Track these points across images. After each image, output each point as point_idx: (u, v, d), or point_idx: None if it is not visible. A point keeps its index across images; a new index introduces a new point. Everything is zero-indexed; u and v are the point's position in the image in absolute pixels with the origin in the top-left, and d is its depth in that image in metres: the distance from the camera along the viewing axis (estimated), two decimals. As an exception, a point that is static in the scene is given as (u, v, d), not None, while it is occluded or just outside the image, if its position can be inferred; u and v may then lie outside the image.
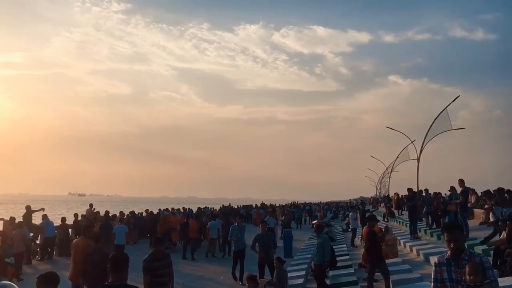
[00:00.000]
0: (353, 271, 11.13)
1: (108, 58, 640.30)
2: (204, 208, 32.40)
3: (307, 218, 37.64)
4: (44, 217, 16.69)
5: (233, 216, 23.01)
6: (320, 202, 75.50)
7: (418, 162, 32.52)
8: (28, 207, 16.98)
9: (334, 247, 13.09)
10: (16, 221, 15.32)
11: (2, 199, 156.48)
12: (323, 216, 37.77)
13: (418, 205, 17.29)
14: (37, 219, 17.64)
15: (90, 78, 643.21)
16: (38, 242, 16.57)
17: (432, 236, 15.86)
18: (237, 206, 42.47)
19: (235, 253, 11.99)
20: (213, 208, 34.30)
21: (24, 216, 16.38)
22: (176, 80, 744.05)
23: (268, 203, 47.40)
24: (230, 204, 41.93)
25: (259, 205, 42.75)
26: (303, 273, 11.57)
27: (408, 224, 17.26)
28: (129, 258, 4.25)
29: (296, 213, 37.41)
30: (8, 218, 16.01)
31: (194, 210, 28.76)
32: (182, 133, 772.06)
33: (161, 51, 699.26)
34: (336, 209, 53.67)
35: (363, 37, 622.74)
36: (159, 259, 6.35)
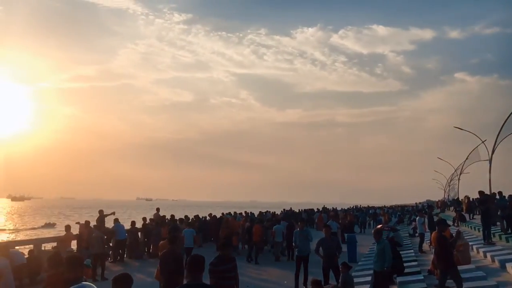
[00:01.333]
0: (423, 277, 10.72)
1: (171, 67, 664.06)
2: (265, 212, 32.56)
3: (372, 222, 36.72)
4: (116, 221, 17.55)
5: (295, 220, 22.98)
6: (384, 206, 73.21)
7: (490, 163, 30.51)
8: (100, 211, 17.72)
9: (401, 252, 12.70)
10: (90, 224, 16.25)
11: (78, 204, 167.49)
12: (388, 221, 36.68)
13: (492, 208, 16.32)
14: (109, 223, 18.58)
15: (154, 87, 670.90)
16: (110, 244, 17.42)
17: (507, 241, 14.88)
18: (298, 210, 42.23)
19: (297, 258, 11.83)
20: (274, 212, 34.37)
21: (97, 220, 17.20)
22: (235, 86, 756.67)
23: (329, 207, 46.72)
24: (291, 208, 41.75)
25: (320, 209, 42.29)
26: (368, 279, 11.28)
27: (481, 229, 16.35)
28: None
29: (360, 217, 36.68)
30: (83, 222, 17.00)
31: (255, 214, 28.95)
32: (242, 138, 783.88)
33: (221, 58, 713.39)
34: (402, 213, 51.84)
35: (426, 34, 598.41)
36: (225, 262, 6.48)
